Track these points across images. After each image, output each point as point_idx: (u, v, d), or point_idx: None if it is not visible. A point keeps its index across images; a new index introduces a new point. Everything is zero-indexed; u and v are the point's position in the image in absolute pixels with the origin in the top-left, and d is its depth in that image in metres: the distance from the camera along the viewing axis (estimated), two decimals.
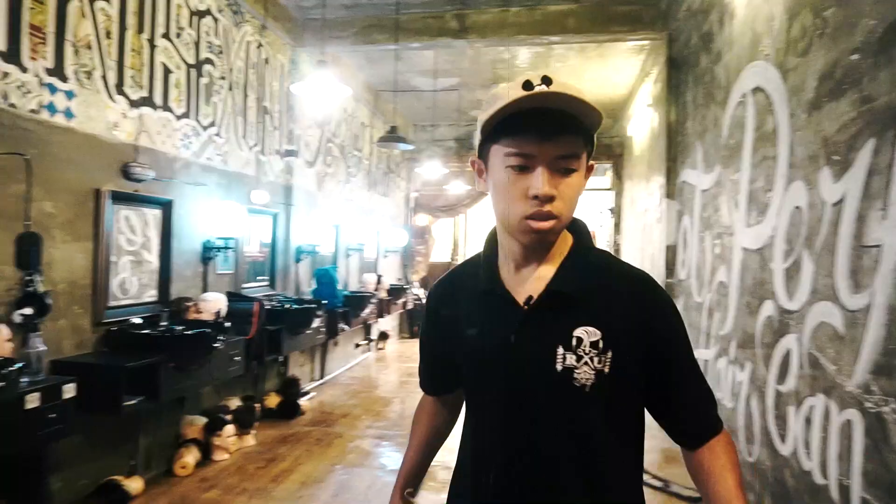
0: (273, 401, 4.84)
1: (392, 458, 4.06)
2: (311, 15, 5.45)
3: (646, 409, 1.02)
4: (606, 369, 0.94)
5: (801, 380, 2.35)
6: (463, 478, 1.08)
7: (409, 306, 9.13)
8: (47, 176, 2.92)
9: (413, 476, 1.22)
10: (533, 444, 0.97)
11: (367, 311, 6.62)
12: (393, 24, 5.37)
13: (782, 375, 2.53)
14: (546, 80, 0.90)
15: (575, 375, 0.94)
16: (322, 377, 6.22)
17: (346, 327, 6.05)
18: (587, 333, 0.94)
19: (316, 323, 5.09)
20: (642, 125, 6.49)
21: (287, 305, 4.80)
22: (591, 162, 0.99)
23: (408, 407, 5.39)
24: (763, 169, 2.86)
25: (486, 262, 1.06)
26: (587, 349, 0.94)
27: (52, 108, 2.93)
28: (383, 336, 8.41)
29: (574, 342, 0.94)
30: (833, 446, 2.06)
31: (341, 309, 5.85)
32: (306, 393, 5.34)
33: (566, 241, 1.03)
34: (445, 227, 10.85)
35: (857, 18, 2.02)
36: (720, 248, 3.53)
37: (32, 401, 2.42)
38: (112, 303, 3.31)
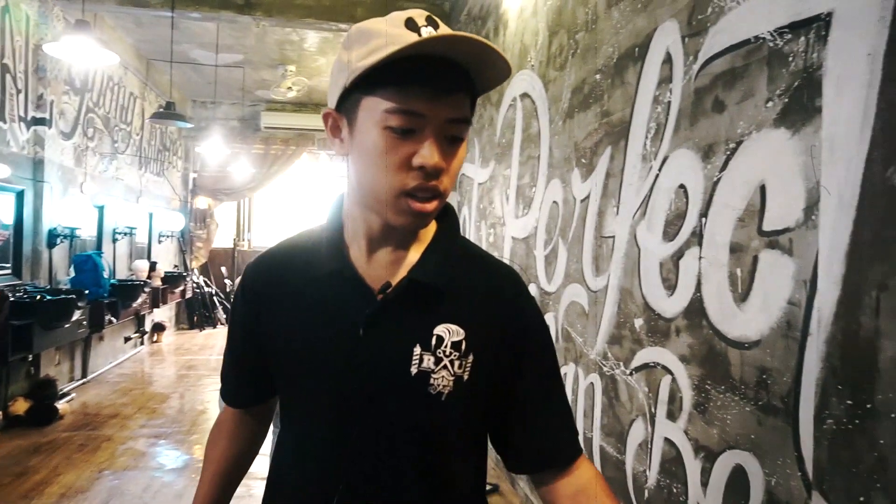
0: (21, 406, 4.19)
1: (171, 457, 3.80)
2: None
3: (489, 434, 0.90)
4: (466, 375, 0.81)
5: (558, 352, 2.74)
6: (284, 493, 0.90)
7: (188, 295, 8.52)
8: None
9: None
10: (377, 458, 0.83)
11: (139, 301, 6.04)
12: None
13: None
14: (432, 22, 0.75)
15: (431, 381, 0.80)
16: (85, 376, 5.54)
17: (113, 320, 5.46)
18: (449, 332, 0.81)
19: (76, 315, 4.52)
20: None
21: (38, 297, 4.19)
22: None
23: (188, 402, 5.06)
24: (529, 167, 3.23)
25: (331, 237, 0.87)
26: (448, 350, 0.81)
27: None
28: (158, 328, 7.73)
29: (434, 341, 0.81)
30: (581, 406, 2.45)
31: (107, 299, 5.26)
32: (65, 395, 4.72)
33: (430, 224, 0.87)
34: (229, 211, 10.28)
35: (599, 44, 2.40)
36: (494, 236, 3.91)
37: None
38: None
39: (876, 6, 1.12)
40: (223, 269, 10.12)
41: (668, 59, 1.91)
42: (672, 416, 1.75)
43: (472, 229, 4.57)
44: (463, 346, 0.81)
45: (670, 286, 1.80)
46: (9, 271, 4.40)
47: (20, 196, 4.50)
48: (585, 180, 2.48)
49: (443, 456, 0.84)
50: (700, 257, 1.65)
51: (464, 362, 0.81)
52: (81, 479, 3.38)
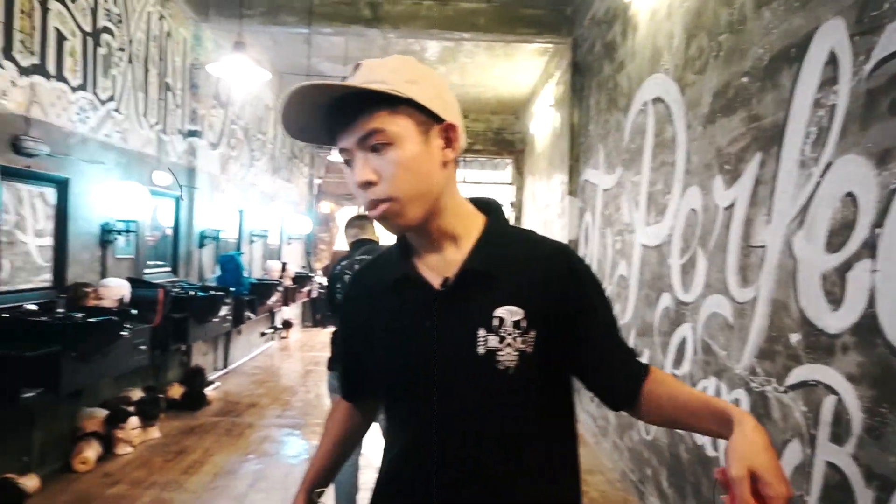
0: (176, 391, 4.65)
1: (303, 449, 4.05)
2: None
3: (576, 380, 0.99)
4: (529, 349, 0.89)
5: (695, 364, 2.64)
6: (393, 481, 1.00)
7: (314, 295, 9.01)
8: None
9: (322, 477, 1.12)
10: (464, 436, 0.91)
11: (272, 299, 6.49)
12: (305, 6, 5.27)
13: (678, 361, 2.82)
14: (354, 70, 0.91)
15: (498, 358, 0.89)
16: (226, 366, 6.04)
17: (251, 315, 5.90)
18: (509, 313, 0.90)
19: (223, 311, 4.94)
20: (544, 124, 6.80)
21: (192, 292, 4.63)
22: (448, 122, 0.92)
23: (313, 397, 5.36)
24: (662, 173, 3.15)
25: (399, 249, 1.00)
26: (509, 329, 0.89)
27: None
28: (287, 325, 8.26)
29: (496, 322, 0.89)
30: None
31: (247, 297, 5.70)
32: (211, 382, 5.17)
33: (476, 222, 0.97)
34: (349, 215, 10.77)
35: (747, 46, 2.30)
36: (621, 244, 3.84)
37: None
38: (1, 288, 3.05)
39: None
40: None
41: (831, 60, 1.80)
42: (837, 439, 1.65)
43: (596, 235, 4.50)
44: (524, 324, 0.90)
45: (835, 300, 1.69)
46: (168, 269, 4.89)
47: (177, 201, 4.99)
48: (730, 187, 2.38)
49: (522, 428, 0.92)
50: (873, 270, 1.55)
51: (526, 338, 0.89)
52: (230, 461, 3.70)
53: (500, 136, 9.00)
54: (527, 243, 0.97)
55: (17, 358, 2.73)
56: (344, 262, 3.02)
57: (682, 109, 2.92)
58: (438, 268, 0.94)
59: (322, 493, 1.11)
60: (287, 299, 7.26)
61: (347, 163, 0.90)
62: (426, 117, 0.89)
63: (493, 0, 5.39)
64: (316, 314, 9.55)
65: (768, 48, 2.15)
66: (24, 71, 3.22)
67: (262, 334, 7.26)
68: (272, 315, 7.50)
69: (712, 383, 2.45)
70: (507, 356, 0.89)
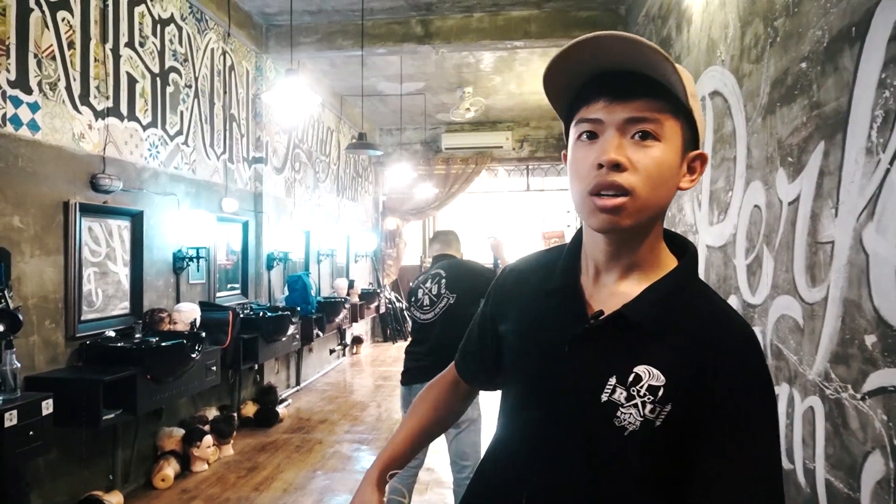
0: (250, 409, 4.82)
1: (370, 463, 4.08)
2: (274, 21, 5.45)
3: None
4: (659, 422, 0.77)
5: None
6: (488, 481, 0.97)
7: (382, 310, 9.15)
8: (14, 190, 2.88)
9: (398, 459, 1.07)
10: (556, 473, 0.84)
11: (340, 316, 6.63)
12: (357, 29, 5.40)
13: None
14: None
15: (618, 413, 0.78)
16: (298, 384, 6.21)
17: (320, 333, 6.05)
18: (649, 374, 0.78)
19: (291, 330, 5.09)
20: None
21: (261, 313, 4.80)
22: (701, 151, 0.83)
23: (384, 411, 5.42)
24: (723, 170, 2.99)
25: (567, 257, 0.91)
26: (642, 391, 0.78)
27: (16, 120, 2.89)
28: (357, 340, 8.42)
29: (631, 378, 0.79)
30: (797, 432, 2.19)
31: (315, 315, 5.85)
32: (283, 400, 5.33)
33: (666, 260, 0.86)
34: (415, 230, 10.90)
35: (804, 29, 2.15)
36: None
37: (10, 419, 2.39)
38: (85, 317, 3.27)
39: None
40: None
41: (895, 36, 1.65)
42: None
43: None
44: (660, 393, 0.78)
45: None
46: (238, 291, 5.10)
47: (245, 226, 5.20)
48: (793, 181, 2.23)
49: (621, 492, 0.81)
50: None
51: (658, 409, 0.78)
52: (299, 477, 3.78)
53: (562, 143, 8.85)
54: (708, 310, 0.83)
55: (97, 381, 2.92)
56: (420, 277, 3.06)
57: (740, 101, 2.77)
58: (599, 294, 0.86)
59: (395, 475, 1.07)
60: (355, 316, 7.40)
61: (588, 135, 0.80)
62: (690, 137, 0.82)
63: (544, 6, 5.34)
64: (386, 329, 9.68)
65: (827, 29, 2.01)
66: (100, 114, 3.46)
67: (332, 351, 7.42)
68: (342, 332, 7.66)
69: (784, 390, 2.28)
70: (630, 417, 0.78)
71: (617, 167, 0.76)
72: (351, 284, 7.61)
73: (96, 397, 2.90)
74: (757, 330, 2.55)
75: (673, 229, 3.61)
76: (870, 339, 1.72)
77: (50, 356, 3.06)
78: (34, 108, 2.99)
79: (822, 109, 2.03)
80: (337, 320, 6.60)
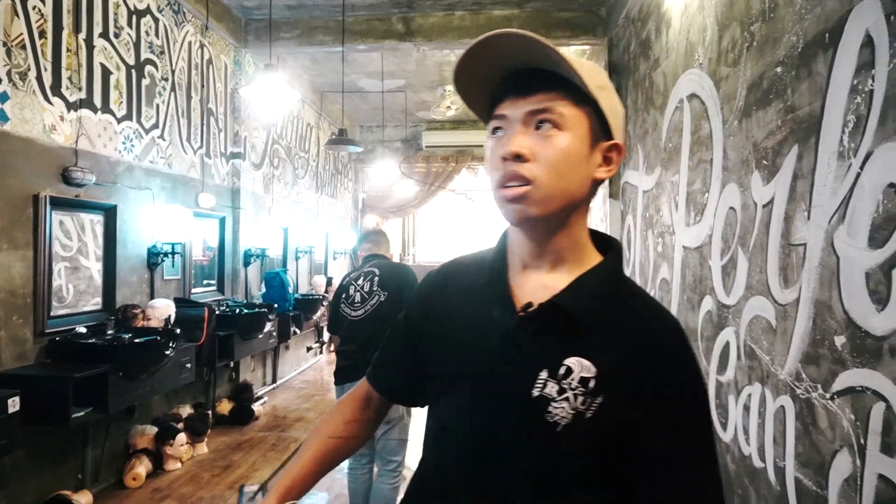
0: (225, 407, 4.77)
1: (346, 461, 4.07)
2: (254, 15, 5.38)
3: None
4: (589, 413, 0.77)
5: (739, 370, 2.51)
6: (420, 489, 0.94)
7: None
8: None
9: (297, 489, 0.95)
10: (491, 473, 0.82)
11: (318, 313, 6.59)
12: (338, 25, 5.36)
13: (722, 366, 2.69)
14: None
15: (550, 408, 0.78)
16: (274, 381, 6.16)
17: (297, 330, 6.00)
18: (580, 366, 0.78)
19: (268, 327, 5.04)
20: None
21: (237, 310, 4.74)
22: (616, 141, 0.84)
23: None
24: (700, 171, 3.02)
25: (495, 255, 0.91)
26: (574, 384, 0.78)
27: None
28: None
29: (562, 371, 0.79)
30: (769, 431, 2.22)
31: (292, 312, 5.80)
32: (259, 398, 5.28)
33: (591, 256, 0.87)
34: (395, 227, 10.86)
35: (780, 34, 2.18)
36: (662, 246, 3.71)
37: None
38: (55, 312, 3.20)
39: None
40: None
41: (868, 42, 1.68)
42: (888, 449, 1.52)
43: (637, 239, 4.37)
44: (591, 384, 0.78)
45: (880, 300, 1.57)
46: (214, 288, 5.03)
47: (222, 222, 5.13)
48: (768, 183, 2.26)
49: (559, 487, 0.80)
50: None
51: (589, 400, 0.78)
52: (275, 475, 3.75)
53: None
54: (634, 301, 0.85)
55: (67, 379, 2.85)
56: (352, 274, 3.04)
57: (717, 104, 2.80)
58: (529, 288, 0.85)
59: None
60: None
61: (496, 131, 0.84)
62: (600, 127, 0.83)
63: (526, 6, 5.36)
64: None
65: (802, 34, 2.04)
66: (72, 106, 3.38)
67: (309, 348, 7.37)
68: (319, 329, 7.61)
69: (757, 390, 2.32)
70: (561, 411, 0.78)
71: (518, 158, 0.79)
72: (329, 281, 7.56)
73: (66, 395, 2.84)
74: (731, 331, 2.58)
75: (650, 230, 3.65)
76: (839, 340, 1.76)
77: (17, 352, 2.99)
78: (3, 98, 2.92)
79: (797, 113, 2.06)
80: (314, 317, 6.55)
